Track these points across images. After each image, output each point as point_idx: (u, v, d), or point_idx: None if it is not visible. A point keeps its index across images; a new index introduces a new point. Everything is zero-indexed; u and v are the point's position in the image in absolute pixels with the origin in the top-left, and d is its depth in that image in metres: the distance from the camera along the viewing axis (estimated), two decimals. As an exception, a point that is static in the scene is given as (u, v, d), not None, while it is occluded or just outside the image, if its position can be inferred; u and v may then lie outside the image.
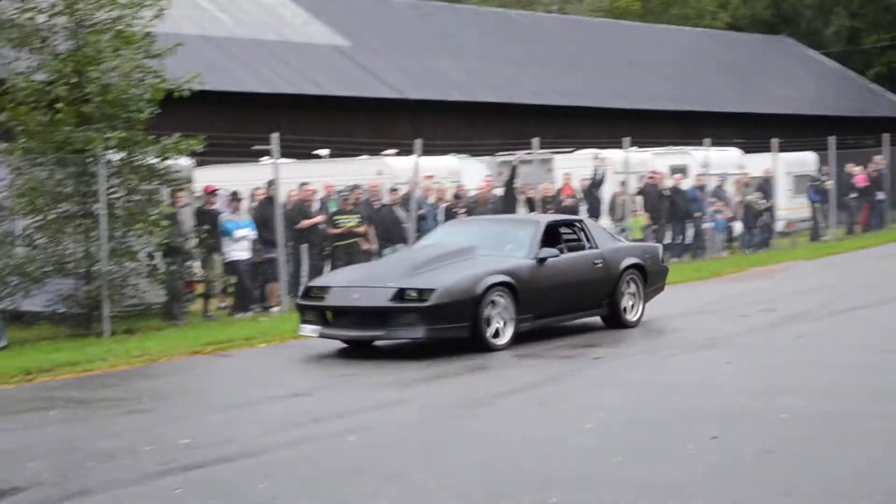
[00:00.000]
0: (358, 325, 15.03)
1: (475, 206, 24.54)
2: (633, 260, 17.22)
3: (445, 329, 14.57)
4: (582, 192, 27.07)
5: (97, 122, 18.06)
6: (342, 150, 27.86)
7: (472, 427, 11.12)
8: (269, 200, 21.22)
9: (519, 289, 15.14)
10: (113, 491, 8.33)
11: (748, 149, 34.73)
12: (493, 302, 14.76)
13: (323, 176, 24.14)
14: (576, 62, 47.60)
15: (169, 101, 18.75)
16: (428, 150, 25.03)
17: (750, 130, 39.22)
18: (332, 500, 8.08)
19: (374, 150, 27.38)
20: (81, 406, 12.53)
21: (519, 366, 15.03)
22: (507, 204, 25.17)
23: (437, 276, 14.96)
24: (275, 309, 20.68)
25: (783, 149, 33.59)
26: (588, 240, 17.00)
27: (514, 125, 36.25)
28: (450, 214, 23.75)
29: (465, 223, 19.45)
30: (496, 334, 14.83)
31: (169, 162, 19.22)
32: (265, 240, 20.75)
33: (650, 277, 17.54)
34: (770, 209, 31.34)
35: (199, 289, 20.87)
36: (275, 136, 21.13)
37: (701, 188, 29.74)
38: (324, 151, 27.40)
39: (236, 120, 28.45)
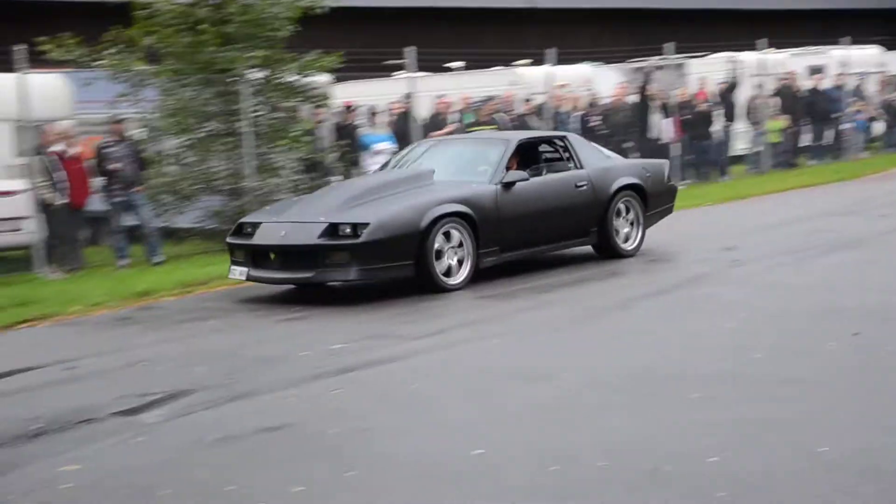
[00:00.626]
0: (284, 266, 13.39)
1: (610, 114, 24.50)
2: (629, 180, 15.44)
3: (383, 269, 13.18)
4: (718, 97, 26.82)
5: (239, 42, 18.29)
6: (474, 63, 28.04)
7: (610, 329, 11.27)
8: (404, 114, 21.51)
9: (478, 219, 13.53)
10: (274, 392, 8.88)
11: (891, 46, 34.04)
12: (445, 235, 13.19)
13: (457, 88, 24.13)
14: None
15: (306, 19, 18.84)
16: (560, 60, 24.93)
17: (891, 27, 38.47)
18: (483, 400, 8.38)
19: (506, 61, 27.45)
20: (237, 315, 13.03)
21: (649, 270, 14.92)
22: (640, 111, 24.99)
23: (376, 207, 13.42)
24: None
25: None
26: (572, 159, 15.20)
27: (646, 31, 35.93)
28: (584, 123, 23.76)
29: (435, 144, 16.97)
30: (448, 272, 13.25)
31: (308, 79, 19.47)
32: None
33: (651, 199, 15.78)
34: None
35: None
36: (409, 50, 21.38)
37: (840, 88, 29.12)
38: (457, 64, 27.65)
39: (370, 36, 28.84)
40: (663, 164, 17.39)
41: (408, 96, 21.64)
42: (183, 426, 8.10)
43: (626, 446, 7.01)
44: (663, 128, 25.28)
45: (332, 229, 12.72)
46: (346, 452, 7.31)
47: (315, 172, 19.81)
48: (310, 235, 12.75)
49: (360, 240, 12.58)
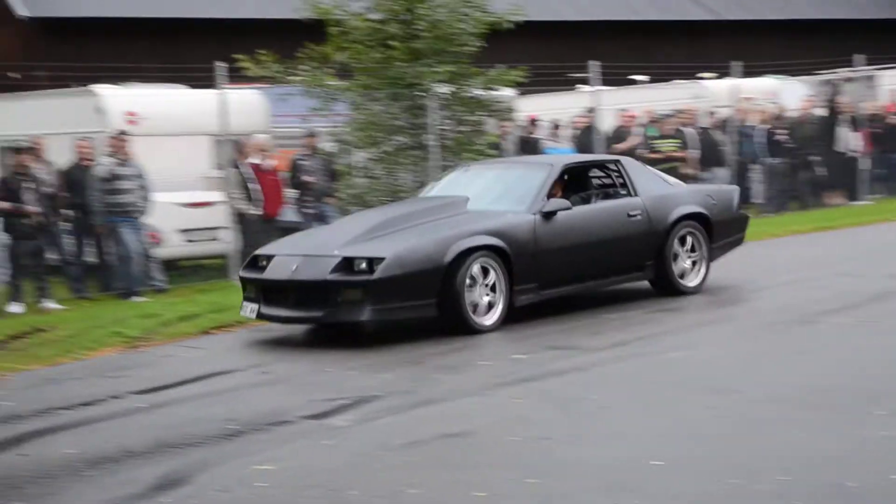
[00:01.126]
0: (297, 303, 12.03)
1: (796, 127, 24.23)
2: (690, 208, 13.98)
3: (401, 308, 11.78)
4: None
5: (426, 58, 18.39)
6: (658, 76, 28.03)
7: (788, 345, 11.18)
8: (588, 128, 21.61)
9: (512, 253, 12.22)
10: (457, 400, 9.16)
11: None
12: (477, 270, 11.90)
13: (640, 102, 24.13)
14: None
15: (492, 34, 18.91)
16: (745, 72, 24.81)
17: None
18: (663, 411, 8.51)
19: (690, 74, 27.36)
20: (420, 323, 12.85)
21: (836, 285, 14.34)
22: (828, 124, 24.69)
23: (397, 239, 12.11)
24: None
25: None
26: (626, 185, 13.84)
27: (832, 42, 35.17)
28: (770, 136, 23.58)
29: (478, 168, 15.67)
30: (475, 310, 11.90)
31: (493, 93, 19.46)
32: None
33: (717, 230, 14.24)
34: None
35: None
36: (593, 64, 21.49)
37: None
38: (642, 77, 27.75)
39: (554, 49, 29.02)
40: (732, 190, 16.06)
41: (591, 110, 21.71)
42: (370, 430, 8.38)
43: (807, 461, 7.02)
44: (852, 141, 24.90)
45: (347, 264, 11.55)
46: (527, 460, 7.43)
47: None
48: (322, 270, 11.60)
49: (375, 276, 11.32)
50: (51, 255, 16.52)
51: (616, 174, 13.99)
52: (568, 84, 25.21)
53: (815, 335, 11.67)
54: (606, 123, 22.18)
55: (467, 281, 11.65)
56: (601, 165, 14.62)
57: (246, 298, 12.31)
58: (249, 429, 8.72)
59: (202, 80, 19.45)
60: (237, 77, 17.87)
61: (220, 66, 17.25)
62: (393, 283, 11.37)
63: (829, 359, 10.34)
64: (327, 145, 18.80)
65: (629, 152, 21.19)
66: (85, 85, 20.11)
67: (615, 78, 24.86)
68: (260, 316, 12.11)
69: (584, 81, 22.72)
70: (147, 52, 26.51)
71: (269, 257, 12.20)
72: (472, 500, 6.55)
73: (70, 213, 16.65)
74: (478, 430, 8.26)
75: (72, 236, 16.93)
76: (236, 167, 17.48)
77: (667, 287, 13.71)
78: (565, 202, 12.82)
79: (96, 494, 7.33)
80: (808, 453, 7.19)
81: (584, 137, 21.52)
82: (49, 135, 17.07)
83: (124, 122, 17.49)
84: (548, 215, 12.51)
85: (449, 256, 11.54)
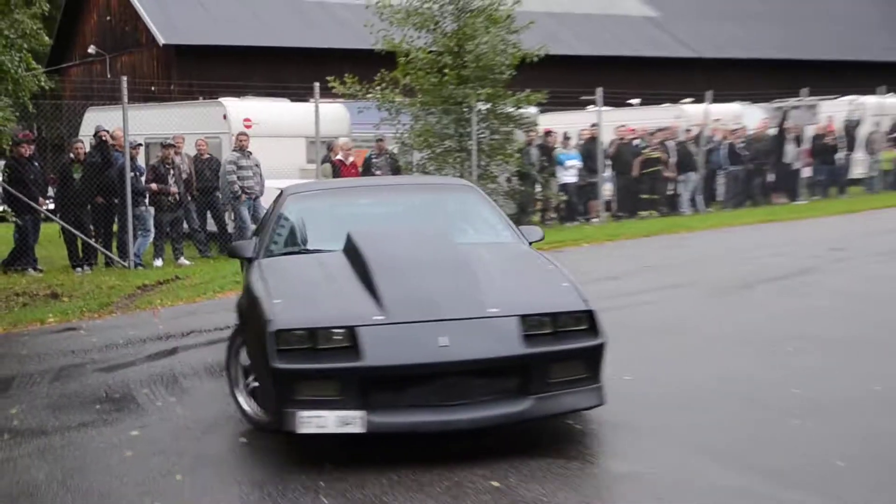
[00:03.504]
0: (453, 395, 5.73)
1: (753, 142, 24.20)
2: None
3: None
4: (843, 131, 26.28)
5: (471, 82, 18.68)
6: (649, 100, 27.78)
7: (731, 303, 11.13)
8: (592, 139, 21.58)
9: None
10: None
11: None
12: None
13: (633, 120, 23.97)
14: (836, 20, 45.24)
15: (522, 65, 19.19)
16: (716, 99, 24.67)
17: None
18: (630, 338, 8.40)
19: (675, 100, 27.12)
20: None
21: (772, 261, 13.97)
22: (777, 141, 24.57)
23: (523, 284, 6.59)
24: (595, 220, 21.03)
25: None
26: None
27: (787, 77, 34.74)
28: (731, 149, 23.62)
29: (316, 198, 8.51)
30: None
31: (521, 110, 19.82)
32: (589, 168, 21.13)
33: None
34: None
35: (538, 204, 21.28)
36: (599, 90, 21.48)
37: None
38: (635, 101, 27.83)
39: (569, 77, 28.94)
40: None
41: (594, 125, 21.69)
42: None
43: (729, 378, 7.39)
44: (796, 156, 24.90)
45: (527, 324, 5.89)
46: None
47: (523, 181, 20.09)
48: (499, 339, 5.84)
49: (599, 339, 6.01)
50: (185, 225, 16.75)
51: None
52: (579, 105, 25.28)
53: (750, 296, 11.64)
54: (607, 136, 22.14)
55: None
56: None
57: (307, 404, 5.66)
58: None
59: (300, 95, 19.86)
60: (327, 93, 17.98)
61: (314, 86, 17.32)
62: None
63: (760, 311, 10.43)
64: (393, 147, 18.98)
65: (626, 158, 21.80)
66: (213, 97, 20.65)
67: (615, 101, 24.81)
68: (374, 428, 5.63)
69: (592, 103, 22.59)
70: (257, 72, 26.74)
71: (347, 329, 5.74)
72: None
73: (197, 193, 16.74)
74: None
75: (199, 211, 17.04)
76: (325, 162, 17.81)
77: None
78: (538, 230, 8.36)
79: (225, 388, 7.40)
80: (731, 374, 7.59)
81: (590, 146, 21.60)
82: (187, 134, 17.24)
83: (243, 125, 17.94)
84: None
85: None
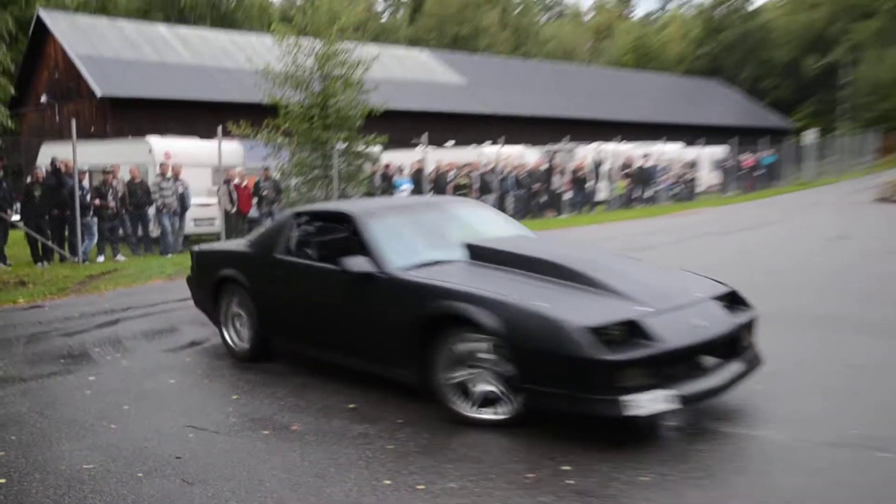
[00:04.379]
0: (706, 366, 5.31)
1: (531, 174, 24.68)
2: None
3: None
4: (592, 166, 26.90)
5: (333, 129, 18.48)
6: (460, 143, 28.33)
7: None
8: (419, 170, 21.95)
9: None
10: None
11: (689, 143, 34.40)
12: None
13: (449, 157, 24.51)
14: (595, 92, 47.12)
15: (369, 116, 18.91)
16: (507, 143, 25.55)
17: (690, 135, 38.95)
18: None
19: (480, 142, 27.54)
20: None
21: None
22: (548, 173, 25.11)
23: (668, 271, 6.50)
24: None
25: (730, 144, 33.90)
26: None
27: (556, 128, 36.53)
28: (517, 178, 24.08)
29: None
30: None
31: (369, 149, 19.53)
32: (417, 191, 21.31)
33: None
34: (693, 178, 30.93)
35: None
36: (424, 135, 22.14)
37: (656, 166, 29.00)
38: (450, 143, 27.98)
39: (402, 126, 29.25)
40: None
41: (421, 160, 22.04)
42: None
43: None
44: (560, 184, 25.48)
45: (721, 303, 5.72)
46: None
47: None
48: (723, 316, 5.55)
49: (755, 311, 5.89)
50: (120, 231, 16.53)
51: None
52: (410, 146, 25.01)
53: None
54: (430, 167, 22.48)
55: None
56: None
57: (631, 389, 4.83)
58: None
59: (207, 135, 19.54)
60: (227, 135, 17.67)
61: (218, 129, 17.23)
62: None
63: None
64: (276, 174, 18.61)
65: (445, 181, 22.02)
66: (140, 136, 20.16)
67: (437, 143, 25.15)
68: (687, 399, 4.98)
69: (419, 144, 22.88)
70: (174, 118, 26.18)
71: (629, 324, 5.03)
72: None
73: (131, 207, 16.46)
74: None
75: (132, 220, 16.71)
76: (225, 184, 17.65)
77: None
78: None
79: (159, 347, 7.81)
80: None
81: (417, 175, 21.81)
82: (121, 163, 17.12)
83: (164, 157, 17.63)
84: None
85: None
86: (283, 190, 18.69)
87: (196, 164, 18.41)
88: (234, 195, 17.93)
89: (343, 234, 6.47)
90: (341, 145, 18.99)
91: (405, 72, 39.06)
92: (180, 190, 16.88)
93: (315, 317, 6.46)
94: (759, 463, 4.61)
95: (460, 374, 5.31)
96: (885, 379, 6.21)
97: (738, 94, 60.48)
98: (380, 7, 72.82)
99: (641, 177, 28.62)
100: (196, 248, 8.31)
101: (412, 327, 5.51)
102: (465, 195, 22.09)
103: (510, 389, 5.13)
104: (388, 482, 4.47)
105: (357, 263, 5.96)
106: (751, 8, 68.73)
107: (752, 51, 65.95)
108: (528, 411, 5.09)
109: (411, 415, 5.55)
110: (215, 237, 17.45)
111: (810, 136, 41.65)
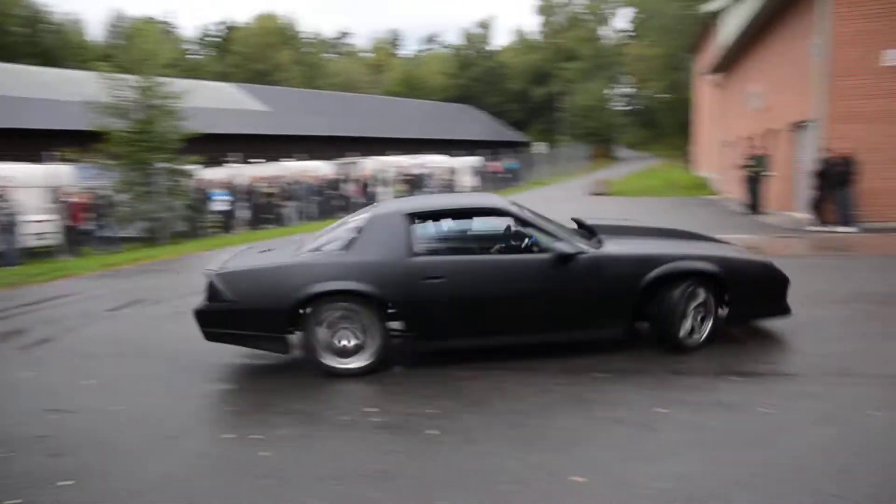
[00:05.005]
0: None
1: (326, 184, 24.73)
2: None
3: None
4: (375, 176, 27.14)
5: (156, 151, 18.11)
6: (268, 160, 28.21)
7: None
8: (230, 183, 21.52)
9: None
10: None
11: (454, 154, 35.08)
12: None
13: (259, 172, 24.11)
14: (375, 116, 47.70)
15: (188, 140, 18.63)
16: (307, 158, 26.07)
17: (452, 148, 40.26)
18: None
19: (275, 159, 27.70)
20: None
21: None
22: (340, 183, 25.16)
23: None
24: (239, 231, 20.76)
25: (481, 155, 34.78)
26: None
27: (345, 146, 36.98)
28: (311, 187, 23.83)
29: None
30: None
31: (187, 167, 19.14)
32: (233, 201, 20.96)
33: None
34: (456, 182, 31.05)
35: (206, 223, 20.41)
36: (234, 154, 22.33)
37: (426, 174, 28.84)
38: (259, 161, 28.22)
39: (218, 146, 28.74)
40: None
41: (232, 175, 21.83)
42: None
43: None
44: (350, 191, 25.73)
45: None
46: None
47: (193, 211, 19.51)
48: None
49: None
50: None
51: None
52: (224, 163, 24.96)
53: None
54: (241, 180, 22.02)
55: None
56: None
57: None
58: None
59: (43, 160, 18.64)
60: (64, 159, 17.01)
61: (54, 155, 16.70)
62: None
63: None
64: (105, 191, 17.90)
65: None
66: None
67: (246, 160, 25.35)
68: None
69: (232, 161, 22.83)
70: (15, 145, 24.36)
71: None
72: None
73: None
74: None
75: None
76: (58, 202, 16.75)
77: None
78: None
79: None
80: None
81: (232, 187, 21.37)
82: None
83: (4, 181, 16.40)
84: None
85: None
86: (114, 204, 18.00)
87: (33, 184, 17.15)
88: (69, 211, 16.94)
89: (507, 228, 6.05)
90: (164, 164, 18.48)
91: (218, 102, 37.96)
92: (7, 210, 15.75)
93: (499, 305, 5.41)
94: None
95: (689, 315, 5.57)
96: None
97: (485, 116, 63.37)
98: (192, 46, 69.62)
99: (416, 182, 29.23)
100: (220, 271, 5.73)
101: (633, 290, 5.44)
102: (272, 202, 22.11)
103: (721, 306, 5.64)
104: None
105: (572, 246, 5.48)
106: (490, 49, 72.18)
107: (493, 83, 69.68)
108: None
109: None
110: (54, 249, 16.41)
111: (540, 148, 44.55)
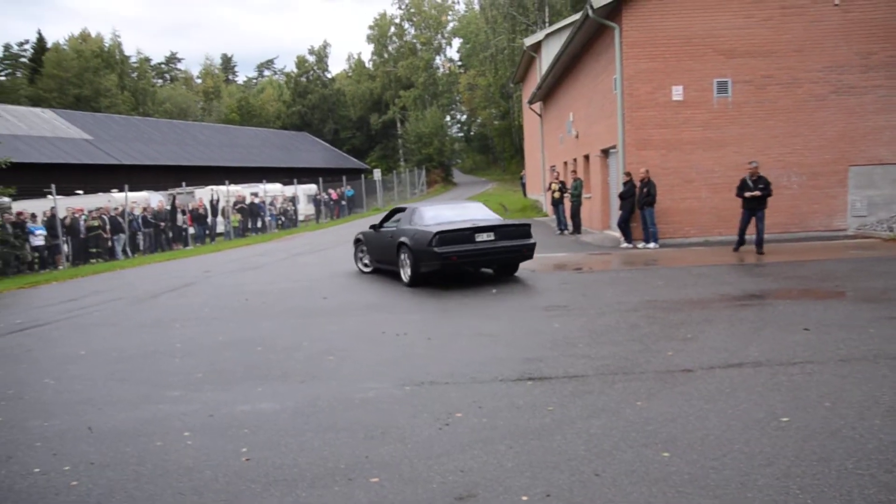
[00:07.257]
0: None
1: (155, 214, 24.17)
2: None
3: None
4: (210, 205, 26.88)
5: None
6: (90, 191, 27.36)
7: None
8: (53, 216, 20.64)
9: None
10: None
11: (289, 183, 35.82)
12: None
13: (81, 203, 23.48)
14: (207, 144, 46.79)
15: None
16: (133, 189, 25.01)
17: (288, 176, 40.56)
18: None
19: (107, 190, 26.83)
20: None
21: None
22: (172, 212, 24.68)
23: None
24: (61, 267, 19.76)
25: (326, 183, 35.39)
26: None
27: (177, 176, 36.08)
28: (145, 219, 23.52)
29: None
30: None
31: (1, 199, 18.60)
32: (53, 235, 20.23)
33: None
34: (294, 210, 32.01)
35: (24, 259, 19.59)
36: (53, 186, 21.11)
37: (263, 202, 29.42)
38: (80, 191, 27.02)
39: (33, 177, 27.33)
40: None
41: (53, 207, 20.71)
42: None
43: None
44: (183, 221, 25.19)
45: None
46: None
47: (4, 245, 18.59)
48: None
49: None
50: None
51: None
52: (44, 195, 23.73)
53: (157, 301, 11.30)
54: (62, 213, 21.28)
55: None
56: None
57: None
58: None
59: None
60: None
61: None
62: None
63: (162, 308, 10.42)
64: None
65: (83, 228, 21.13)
66: None
67: (67, 191, 23.97)
68: None
69: (50, 193, 21.25)
70: None
71: None
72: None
73: None
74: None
75: None
76: None
77: None
78: None
79: None
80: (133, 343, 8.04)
81: (52, 221, 20.32)
82: None
83: None
84: None
85: None
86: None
87: None
88: None
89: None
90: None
91: (30, 128, 35.66)
92: None
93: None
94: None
95: None
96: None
97: (323, 144, 63.50)
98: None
99: (251, 211, 28.99)
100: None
101: None
102: (98, 235, 21.19)
103: None
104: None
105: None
106: (327, 77, 72.37)
107: (330, 110, 69.85)
108: None
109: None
110: None
111: (377, 174, 45.24)
